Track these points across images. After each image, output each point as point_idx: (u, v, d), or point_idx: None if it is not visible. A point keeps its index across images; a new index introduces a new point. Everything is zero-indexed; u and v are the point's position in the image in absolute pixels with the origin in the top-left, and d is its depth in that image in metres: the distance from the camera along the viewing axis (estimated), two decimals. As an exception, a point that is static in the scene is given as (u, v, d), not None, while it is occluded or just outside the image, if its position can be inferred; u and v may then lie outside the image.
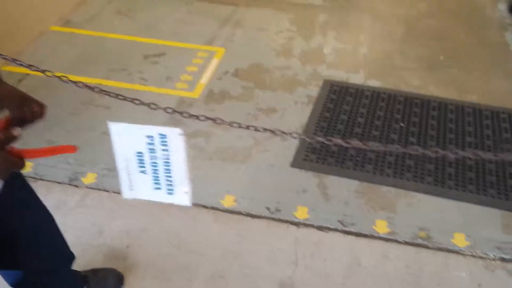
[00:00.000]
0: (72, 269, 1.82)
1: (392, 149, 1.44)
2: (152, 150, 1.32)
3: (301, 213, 2.29)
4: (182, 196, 1.36)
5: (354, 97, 2.99)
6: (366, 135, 2.70)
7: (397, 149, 1.46)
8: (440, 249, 2.12)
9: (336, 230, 2.22)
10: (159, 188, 1.37)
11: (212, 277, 2.04)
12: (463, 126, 2.76)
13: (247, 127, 1.68)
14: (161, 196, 1.37)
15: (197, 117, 1.45)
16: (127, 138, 1.30)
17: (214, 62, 3.34)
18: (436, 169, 2.49)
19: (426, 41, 3.55)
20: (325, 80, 3.14)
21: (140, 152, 1.32)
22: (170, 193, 1.36)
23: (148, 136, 1.28)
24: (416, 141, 2.66)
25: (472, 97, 3.01)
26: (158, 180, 1.36)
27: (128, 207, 2.33)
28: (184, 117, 1.48)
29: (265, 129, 1.73)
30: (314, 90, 3.06)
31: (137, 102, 1.57)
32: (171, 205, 2.32)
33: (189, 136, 2.72)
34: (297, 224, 2.24)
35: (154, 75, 3.22)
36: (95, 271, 1.96)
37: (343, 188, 2.42)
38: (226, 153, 2.62)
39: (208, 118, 1.48)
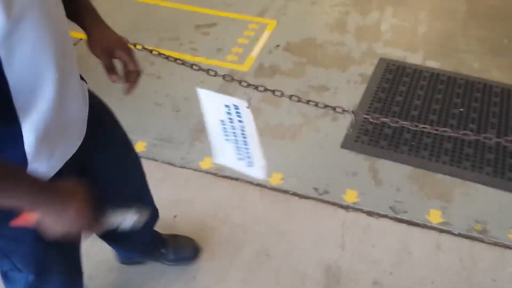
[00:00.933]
0: (154, 229, 1.83)
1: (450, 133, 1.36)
2: (231, 120, 1.32)
3: (350, 197, 2.22)
4: (260, 170, 1.38)
5: (411, 78, 2.85)
6: (422, 119, 2.58)
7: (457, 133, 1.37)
8: (496, 244, 2.02)
9: (386, 216, 2.14)
10: (241, 159, 1.39)
11: (258, 254, 2.02)
12: (527, 114, 2.60)
13: (307, 102, 1.62)
14: (243, 167, 1.40)
15: (256, 87, 1.41)
16: (211, 104, 1.30)
17: (266, 35, 3.25)
18: (496, 159, 2.35)
19: (489, 22, 3.33)
20: (380, 58, 3.01)
21: (222, 120, 1.33)
22: (249, 165, 1.39)
23: (226, 106, 1.29)
24: (476, 128, 2.52)
25: (539, 84, 2.82)
26: (240, 151, 1.36)
27: (176, 177, 2.33)
28: (243, 86, 1.44)
29: (325, 105, 1.66)
30: (368, 69, 2.94)
31: (195, 67, 1.55)
32: (218, 178, 2.31)
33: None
34: (345, 207, 2.18)
35: (205, 46, 3.17)
36: (175, 237, 1.96)
37: (395, 173, 2.33)
38: (275, 129, 2.57)
39: (267, 90, 1.43)
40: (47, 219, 0.93)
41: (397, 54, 3.06)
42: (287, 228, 2.11)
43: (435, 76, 2.86)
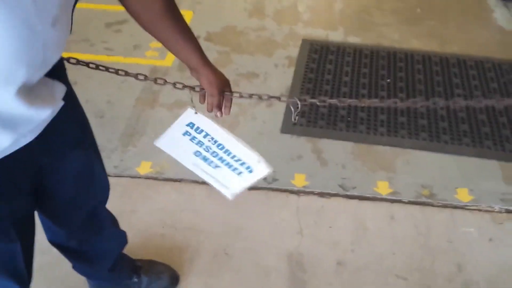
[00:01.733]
0: (124, 255, 1.67)
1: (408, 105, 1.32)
2: (200, 143, 1.19)
3: (299, 181, 2.18)
4: (259, 167, 1.26)
5: (336, 55, 2.86)
6: (354, 94, 2.60)
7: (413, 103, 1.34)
8: (445, 206, 2.08)
9: (337, 195, 2.13)
10: (241, 172, 1.25)
11: (216, 255, 1.91)
12: (449, 78, 2.71)
13: (231, 93, 1.49)
14: (249, 178, 1.26)
15: (173, 84, 1.26)
16: (177, 145, 1.22)
17: (183, 27, 3.11)
18: (429, 124, 2.43)
19: (399, -7, 3.45)
20: (303, 39, 2.99)
21: (196, 151, 1.22)
22: (251, 171, 1.25)
23: (184, 134, 1.20)
24: (405, 96, 2.58)
25: (454, 48, 2.95)
26: (232, 165, 1.23)
27: (113, 188, 2.13)
28: (159, 84, 1.29)
29: (250, 95, 1.54)
30: (293, 51, 2.91)
31: (121, 72, 1.35)
32: (160, 182, 2.16)
33: (168, 107, 2.53)
34: (296, 192, 2.14)
35: (120, 44, 2.97)
36: (151, 264, 1.78)
37: (338, 151, 2.32)
38: (210, 123, 2.45)
39: (185, 86, 1.26)
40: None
41: (318, 33, 3.06)
42: (242, 223, 2.02)
43: (358, 51, 2.89)
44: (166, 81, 1.30)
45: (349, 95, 2.60)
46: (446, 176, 2.19)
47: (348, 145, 2.35)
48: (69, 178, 1.22)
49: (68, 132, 1.13)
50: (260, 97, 1.35)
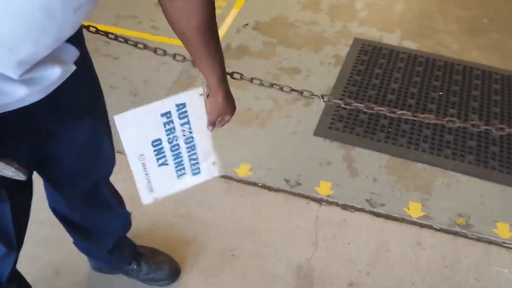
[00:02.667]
0: (125, 239, 1.64)
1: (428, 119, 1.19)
2: (170, 131, 1.12)
3: (324, 189, 2.04)
4: (210, 169, 1.23)
5: (388, 59, 2.68)
6: (400, 104, 2.41)
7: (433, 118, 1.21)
8: (480, 240, 1.88)
9: (362, 210, 1.97)
10: (183, 174, 1.21)
11: (222, 254, 1.82)
12: (509, 98, 2.46)
13: (271, 86, 1.42)
14: (187, 182, 1.23)
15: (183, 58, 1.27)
16: (138, 128, 1.11)
17: (233, 13, 3.02)
18: (478, 146, 2.21)
19: (467, 0, 3.18)
20: (355, 38, 2.82)
21: (157, 140, 1.13)
22: (196, 173, 1.22)
23: (164, 114, 1.10)
24: (457, 113, 2.37)
25: (518, 66, 2.68)
26: (182, 165, 1.19)
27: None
28: (178, 60, 1.28)
29: (291, 90, 1.46)
30: (343, 50, 2.75)
31: (160, 52, 1.38)
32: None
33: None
34: (319, 200, 2.00)
35: (167, 24, 2.89)
36: (153, 253, 1.73)
37: (372, 162, 2.16)
38: (241, 115, 2.35)
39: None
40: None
41: (372, 34, 2.87)
42: (255, 225, 1.92)
43: (412, 58, 2.69)
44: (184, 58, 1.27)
45: (394, 103, 2.42)
46: (487, 207, 1.98)
47: (384, 158, 2.18)
48: (75, 147, 1.19)
49: (79, 99, 1.11)
50: (281, 89, 1.27)
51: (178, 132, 1.12)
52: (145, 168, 1.14)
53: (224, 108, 1.15)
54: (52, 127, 1.07)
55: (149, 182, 1.17)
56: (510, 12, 3.09)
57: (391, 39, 2.83)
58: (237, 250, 1.84)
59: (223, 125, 1.20)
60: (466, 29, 2.93)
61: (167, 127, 1.10)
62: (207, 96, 1.14)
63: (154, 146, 1.12)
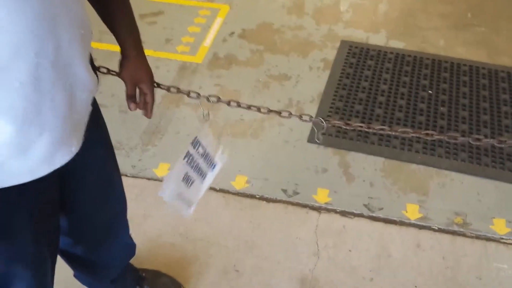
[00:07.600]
0: (129, 265, 1.63)
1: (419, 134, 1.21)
2: (192, 161, 1.21)
3: (322, 196, 2.05)
4: (221, 158, 1.33)
5: (376, 60, 2.69)
6: (391, 105, 2.42)
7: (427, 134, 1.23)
8: (478, 237, 1.90)
9: (361, 215, 1.99)
10: (205, 176, 1.31)
11: (225, 271, 1.82)
12: (497, 93, 2.48)
13: (248, 107, 1.39)
14: (210, 179, 1.33)
15: (187, 93, 1.28)
16: (174, 184, 1.20)
17: (218, 22, 3.01)
18: (470, 143, 2.22)
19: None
20: (342, 41, 2.83)
21: (185, 174, 1.21)
22: (213, 168, 1.33)
23: (185, 157, 1.19)
24: (447, 111, 2.39)
25: (505, 60, 2.71)
26: (203, 171, 1.28)
27: (128, 189, 2.07)
28: (172, 93, 1.32)
29: (269, 110, 1.41)
30: (330, 53, 2.76)
31: (113, 72, 1.35)
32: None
33: (193, 106, 2.45)
34: (317, 209, 2.01)
35: (152, 36, 2.90)
36: (155, 276, 1.72)
37: (367, 166, 2.17)
38: (235, 126, 2.35)
39: (199, 96, 1.28)
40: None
41: (359, 35, 2.88)
42: (256, 238, 1.92)
43: (400, 57, 2.70)
44: (179, 89, 1.29)
45: (385, 105, 2.43)
46: (483, 204, 2.01)
47: (379, 161, 2.19)
48: (88, 185, 1.18)
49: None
50: (259, 110, 1.28)
51: (197, 157, 1.22)
52: (181, 196, 1.23)
53: (138, 73, 1.16)
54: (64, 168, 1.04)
55: (185, 201, 1.26)
56: (493, 5, 3.12)
57: (378, 39, 2.85)
58: (239, 266, 1.84)
59: (147, 104, 1.19)
60: (451, 25, 2.96)
61: (189, 161, 1.20)
62: (120, 62, 1.16)
63: (183, 180, 1.21)
